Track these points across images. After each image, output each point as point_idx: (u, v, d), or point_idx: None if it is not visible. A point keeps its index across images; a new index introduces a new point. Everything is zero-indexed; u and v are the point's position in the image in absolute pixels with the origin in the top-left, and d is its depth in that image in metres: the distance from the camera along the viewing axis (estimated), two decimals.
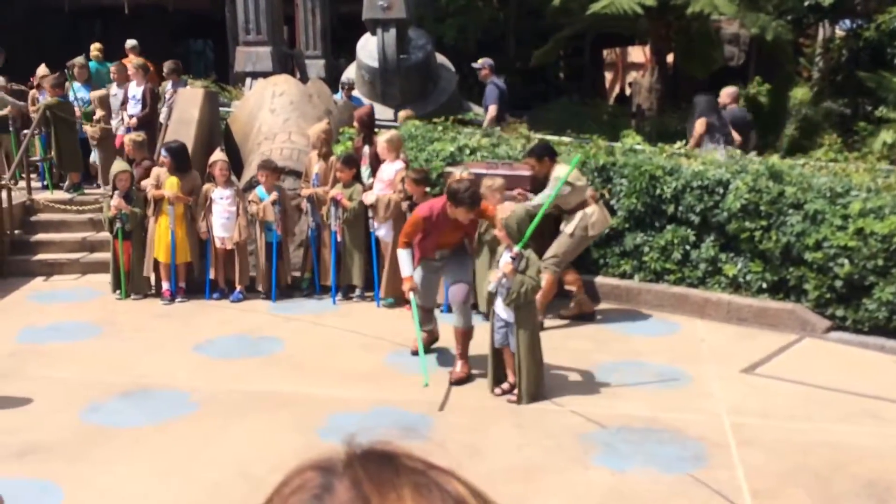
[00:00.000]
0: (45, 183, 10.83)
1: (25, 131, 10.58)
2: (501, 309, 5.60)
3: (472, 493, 0.66)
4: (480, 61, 11.47)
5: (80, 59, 11.94)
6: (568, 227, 7.26)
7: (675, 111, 16.17)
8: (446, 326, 6.42)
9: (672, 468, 4.66)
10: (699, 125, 9.31)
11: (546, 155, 7.37)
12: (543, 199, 6.70)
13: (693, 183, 7.82)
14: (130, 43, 11.99)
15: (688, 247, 7.83)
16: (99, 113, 11.02)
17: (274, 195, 8.05)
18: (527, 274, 5.47)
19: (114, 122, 10.94)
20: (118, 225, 8.15)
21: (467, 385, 5.94)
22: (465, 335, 6.06)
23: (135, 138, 8.95)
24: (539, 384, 5.64)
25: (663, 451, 4.88)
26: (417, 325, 5.93)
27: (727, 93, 10.23)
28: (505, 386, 5.73)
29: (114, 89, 11.02)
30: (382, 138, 8.12)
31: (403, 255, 5.97)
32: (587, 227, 7.23)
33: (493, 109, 10.81)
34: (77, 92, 11.22)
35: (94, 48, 12.75)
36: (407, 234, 6.01)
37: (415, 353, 6.17)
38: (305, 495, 0.64)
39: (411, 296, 5.99)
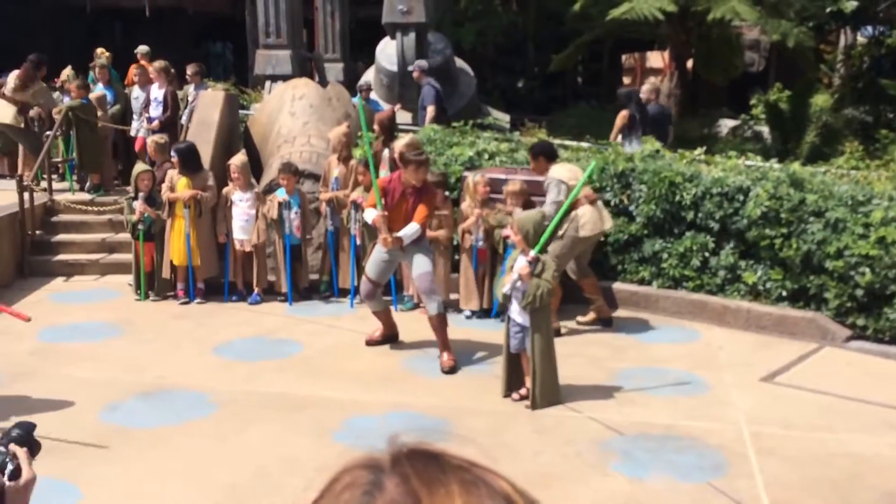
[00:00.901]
0: (70, 185, 10.91)
1: (48, 133, 10.66)
2: (517, 313, 5.59)
3: (516, 490, 0.68)
4: (415, 63, 11.72)
5: (101, 61, 12.04)
6: (559, 229, 7.23)
7: (695, 117, 16.11)
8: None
9: (690, 477, 4.63)
10: (620, 118, 9.93)
11: (541, 154, 7.32)
12: (553, 208, 6.66)
13: (713, 189, 7.78)
14: (143, 49, 12.05)
15: (707, 254, 7.78)
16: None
17: (274, 196, 8.10)
18: (542, 277, 5.46)
19: (135, 125, 11.01)
20: (141, 227, 8.21)
21: (484, 389, 5.92)
22: (441, 322, 6.35)
23: (157, 140, 9.00)
24: (554, 390, 5.62)
25: (682, 459, 4.86)
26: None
27: (648, 88, 10.85)
28: (522, 391, 5.71)
29: (136, 92, 11.10)
30: (401, 142, 8.12)
31: (369, 212, 6.45)
32: (577, 228, 7.14)
33: (431, 110, 10.92)
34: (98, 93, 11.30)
35: (100, 52, 12.85)
36: (372, 196, 6.45)
37: (367, 343, 6.74)
38: (357, 492, 0.66)
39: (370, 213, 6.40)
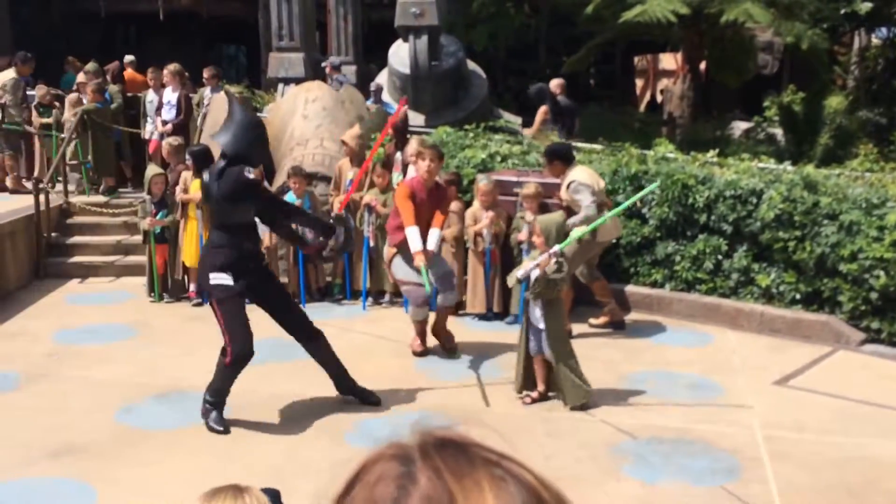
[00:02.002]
0: (85, 188, 10.98)
1: (62, 135, 10.74)
2: (537, 317, 5.59)
3: (542, 483, 0.68)
4: (328, 60, 12.31)
5: (115, 65, 12.15)
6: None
7: (708, 119, 16.06)
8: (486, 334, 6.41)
9: (704, 481, 4.63)
10: (541, 113, 10.67)
11: (556, 157, 7.17)
12: (589, 211, 6.67)
13: (726, 192, 7.77)
14: (129, 58, 12.09)
15: (720, 256, 7.77)
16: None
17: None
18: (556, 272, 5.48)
19: (149, 128, 11.07)
20: (156, 230, 8.29)
21: (496, 391, 5.93)
22: (449, 312, 6.60)
23: (172, 143, 9.05)
24: (581, 386, 5.58)
25: (695, 463, 4.85)
26: (426, 276, 6.11)
27: (556, 83, 11.40)
28: (534, 394, 5.72)
29: (150, 95, 11.16)
30: (416, 145, 8.13)
31: (412, 232, 6.25)
32: (595, 232, 7.15)
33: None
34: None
35: (72, 60, 13.12)
36: (406, 210, 6.29)
37: (416, 353, 6.61)
38: (391, 486, 0.66)
39: (422, 266, 6.17)
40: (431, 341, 6.78)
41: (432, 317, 6.67)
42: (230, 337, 5.28)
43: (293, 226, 6.08)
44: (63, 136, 10.69)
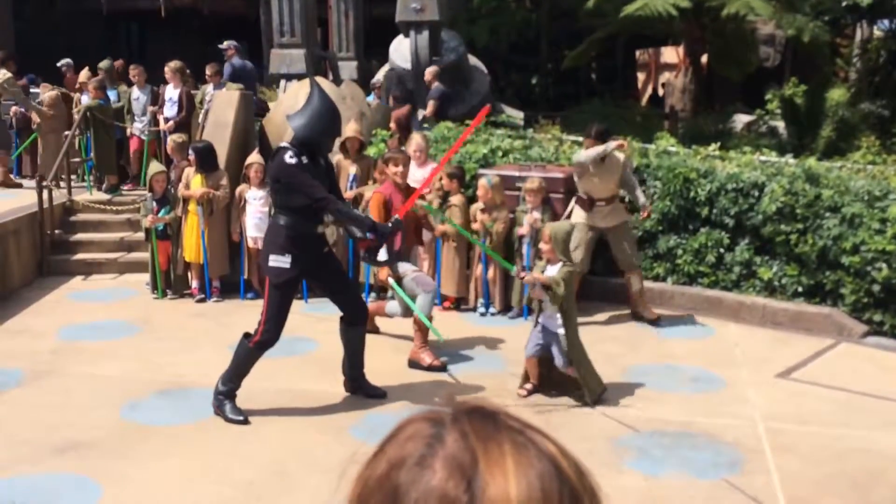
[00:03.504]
0: (87, 185, 11.01)
1: (66, 132, 10.76)
2: (548, 317, 5.59)
3: (562, 452, 0.73)
4: (226, 43, 12.26)
5: (119, 63, 12.17)
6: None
7: (710, 113, 16.05)
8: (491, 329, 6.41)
9: (706, 473, 4.64)
10: (431, 105, 11.02)
11: (592, 136, 7.27)
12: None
13: (728, 185, 7.77)
14: (104, 64, 12.08)
15: (722, 250, 7.77)
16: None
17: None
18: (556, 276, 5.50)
19: (137, 126, 11.03)
20: (158, 227, 8.31)
21: (499, 386, 5.94)
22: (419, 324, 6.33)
23: (177, 139, 9.07)
24: (598, 381, 5.62)
25: (697, 456, 4.86)
26: (409, 300, 6.05)
27: (430, 71, 11.61)
28: (528, 387, 5.74)
29: (135, 93, 11.10)
30: (418, 141, 8.14)
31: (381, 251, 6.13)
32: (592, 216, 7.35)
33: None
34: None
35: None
36: (376, 211, 6.22)
37: (435, 367, 6.30)
38: (420, 443, 0.71)
39: (391, 281, 6.12)
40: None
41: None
42: (266, 319, 5.34)
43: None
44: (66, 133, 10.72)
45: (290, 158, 5.28)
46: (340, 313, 5.82)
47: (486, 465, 0.68)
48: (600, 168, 7.17)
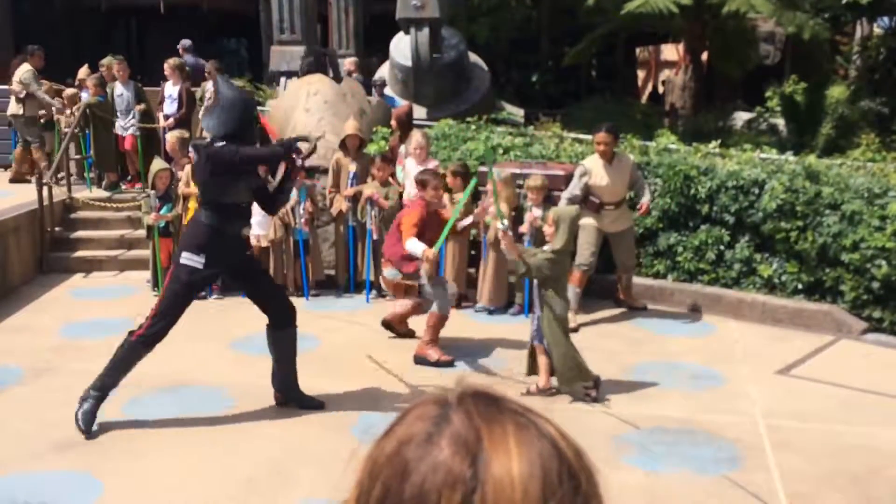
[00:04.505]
0: (87, 182, 11.00)
1: (66, 130, 10.75)
2: (536, 301, 5.62)
3: (561, 434, 0.77)
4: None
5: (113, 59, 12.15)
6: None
7: (710, 110, 16.05)
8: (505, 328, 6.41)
9: (707, 470, 4.65)
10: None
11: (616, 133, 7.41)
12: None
13: (728, 183, 7.78)
14: (83, 72, 12.05)
15: (722, 247, 7.78)
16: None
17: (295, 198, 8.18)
18: (539, 254, 5.51)
19: (120, 123, 10.91)
20: (160, 224, 8.31)
21: (501, 383, 5.96)
22: (442, 320, 6.37)
23: (179, 136, 9.06)
24: (574, 372, 5.57)
25: (698, 452, 4.87)
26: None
27: (350, 61, 11.92)
28: (532, 388, 5.72)
29: (118, 89, 10.91)
30: (419, 137, 8.14)
31: (415, 243, 6.14)
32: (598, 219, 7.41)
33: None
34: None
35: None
36: (414, 227, 6.22)
37: (444, 363, 6.32)
38: (427, 422, 0.76)
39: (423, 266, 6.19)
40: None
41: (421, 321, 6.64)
42: (158, 313, 5.15)
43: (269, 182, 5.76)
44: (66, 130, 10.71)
45: (220, 146, 5.08)
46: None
47: (489, 443, 0.72)
48: (611, 172, 7.20)
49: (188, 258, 5.17)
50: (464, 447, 0.72)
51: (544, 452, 0.73)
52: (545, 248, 5.55)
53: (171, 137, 9.11)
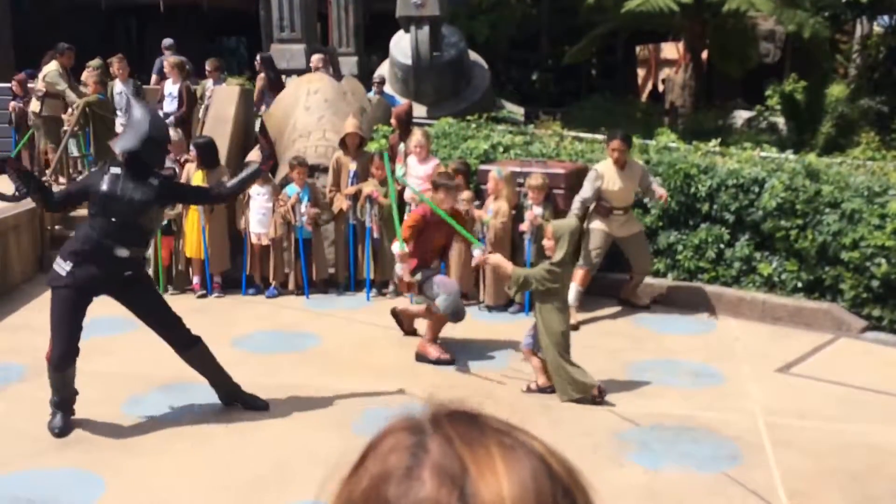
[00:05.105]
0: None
1: (65, 128, 10.76)
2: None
3: (551, 452, 0.71)
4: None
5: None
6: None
7: (710, 109, 16.06)
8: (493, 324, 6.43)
9: (707, 467, 4.66)
10: (259, 80, 11.34)
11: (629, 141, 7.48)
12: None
13: (728, 181, 7.78)
14: (19, 76, 12.04)
15: (722, 245, 7.79)
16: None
17: (284, 193, 8.18)
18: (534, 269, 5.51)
19: (120, 121, 10.92)
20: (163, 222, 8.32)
21: (501, 382, 5.96)
22: (441, 320, 6.36)
23: (173, 136, 9.05)
24: (572, 382, 5.52)
25: (698, 449, 4.88)
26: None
27: (317, 58, 11.87)
28: (532, 385, 5.75)
29: (117, 86, 10.96)
30: (419, 136, 8.14)
31: (396, 245, 6.22)
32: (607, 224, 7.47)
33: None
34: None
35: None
36: (410, 227, 6.25)
37: (443, 361, 6.31)
38: (404, 455, 0.68)
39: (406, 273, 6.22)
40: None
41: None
42: (52, 335, 5.03)
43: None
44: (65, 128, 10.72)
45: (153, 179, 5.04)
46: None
47: (476, 469, 0.66)
48: (623, 178, 7.23)
49: (57, 264, 5.05)
50: (448, 478, 0.66)
51: (536, 472, 0.68)
52: (545, 262, 5.53)
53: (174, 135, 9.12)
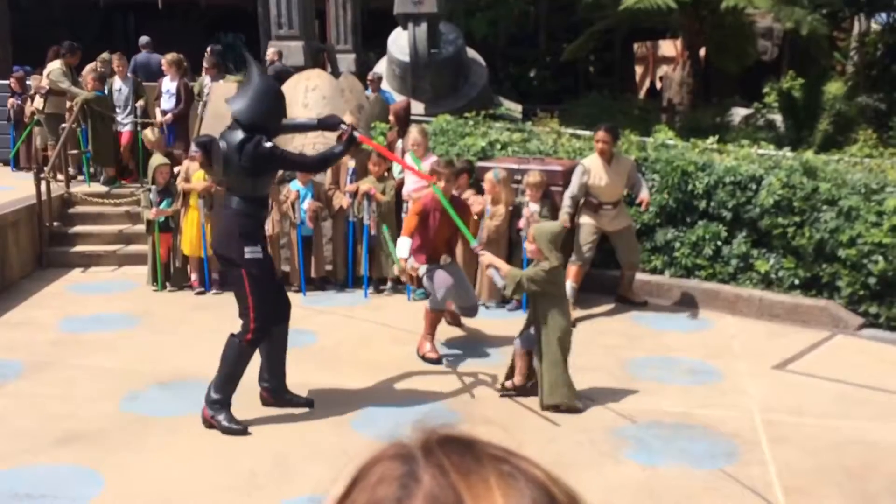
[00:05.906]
0: (86, 177, 10.99)
1: (64, 125, 10.75)
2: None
3: (551, 478, 0.66)
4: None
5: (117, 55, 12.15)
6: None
7: (707, 106, 16.07)
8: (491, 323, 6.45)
9: (703, 464, 4.68)
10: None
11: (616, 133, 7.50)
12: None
13: (726, 178, 7.80)
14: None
15: (719, 242, 7.80)
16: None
17: (288, 188, 8.19)
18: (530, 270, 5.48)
19: (119, 117, 10.97)
20: (160, 219, 8.32)
21: (494, 378, 5.97)
22: (436, 315, 6.39)
23: (148, 135, 9.08)
24: (562, 390, 5.35)
25: (695, 446, 4.90)
26: (393, 251, 6.31)
27: (272, 51, 11.97)
28: (508, 384, 5.64)
29: (117, 83, 11.01)
30: (416, 133, 8.14)
31: (404, 242, 6.26)
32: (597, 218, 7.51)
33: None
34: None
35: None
36: (416, 215, 6.31)
37: (432, 359, 6.30)
38: (394, 486, 0.63)
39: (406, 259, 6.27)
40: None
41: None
42: (257, 313, 5.14)
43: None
44: (64, 125, 10.71)
45: (266, 143, 5.05)
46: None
47: (472, 502, 0.61)
48: (610, 172, 7.23)
49: (251, 252, 5.16)
50: None
51: (537, 502, 0.62)
52: (537, 265, 5.46)
53: (148, 134, 9.13)
